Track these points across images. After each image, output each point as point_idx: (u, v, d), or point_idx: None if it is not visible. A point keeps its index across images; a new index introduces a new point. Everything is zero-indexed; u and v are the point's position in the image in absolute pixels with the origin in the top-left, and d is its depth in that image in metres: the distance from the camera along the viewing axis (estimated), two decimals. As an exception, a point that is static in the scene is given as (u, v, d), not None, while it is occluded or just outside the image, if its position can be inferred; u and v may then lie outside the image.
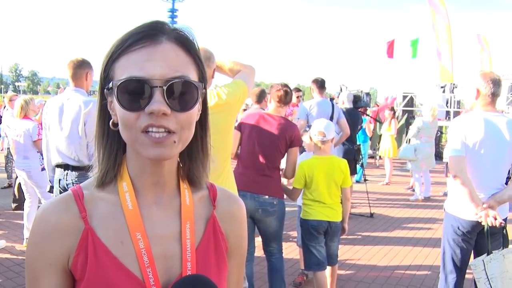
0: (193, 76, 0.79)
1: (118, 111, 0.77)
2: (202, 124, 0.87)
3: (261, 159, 3.23)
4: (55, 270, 0.80)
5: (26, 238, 4.73)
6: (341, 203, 3.40)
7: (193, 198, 0.90)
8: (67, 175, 3.26)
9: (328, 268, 3.48)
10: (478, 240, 2.81)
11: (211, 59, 2.53)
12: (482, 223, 2.69)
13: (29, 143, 4.78)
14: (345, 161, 3.43)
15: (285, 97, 3.37)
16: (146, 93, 0.74)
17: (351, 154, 5.94)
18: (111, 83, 0.77)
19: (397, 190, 8.81)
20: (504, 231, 2.74)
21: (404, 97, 15.72)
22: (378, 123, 11.06)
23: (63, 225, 0.80)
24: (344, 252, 4.90)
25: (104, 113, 0.83)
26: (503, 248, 2.70)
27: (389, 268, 4.56)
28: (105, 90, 0.81)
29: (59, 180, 3.30)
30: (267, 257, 3.37)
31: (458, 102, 15.11)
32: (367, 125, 9.76)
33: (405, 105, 15.34)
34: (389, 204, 7.52)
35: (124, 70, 0.76)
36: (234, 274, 0.97)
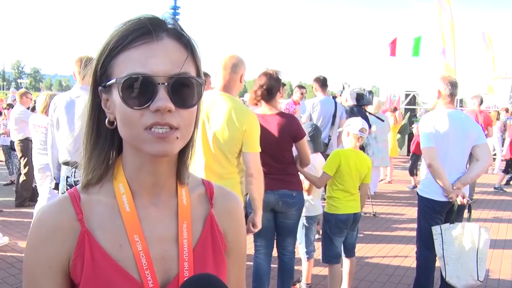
0: (193, 72, 0.79)
1: (119, 109, 0.75)
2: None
3: (272, 164, 3.13)
4: (55, 273, 0.79)
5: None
6: None
7: (190, 197, 0.88)
8: (74, 172, 3.25)
9: (347, 262, 3.56)
10: (446, 216, 3.30)
11: (238, 65, 2.74)
12: (453, 202, 3.17)
13: None
14: (370, 159, 3.62)
15: (271, 90, 3.13)
16: (150, 90, 0.73)
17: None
18: (111, 81, 0.75)
19: (399, 188, 8.81)
20: (470, 206, 3.30)
21: (407, 95, 15.67)
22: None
23: (60, 227, 0.79)
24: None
25: (96, 112, 0.81)
26: (469, 220, 3.25)
27: (391, 267, 4.56)
28: (99, 87, 0.79)
29: (67, 177, 3.29)
30: (280, 256, 3.35)
31: (461, 101, 15.03)
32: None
33: (408, 104, 15.28)
34: (391, 203, 7.52)
35: (125, 67, 0.74)
36: (234, 273, 0.95)
